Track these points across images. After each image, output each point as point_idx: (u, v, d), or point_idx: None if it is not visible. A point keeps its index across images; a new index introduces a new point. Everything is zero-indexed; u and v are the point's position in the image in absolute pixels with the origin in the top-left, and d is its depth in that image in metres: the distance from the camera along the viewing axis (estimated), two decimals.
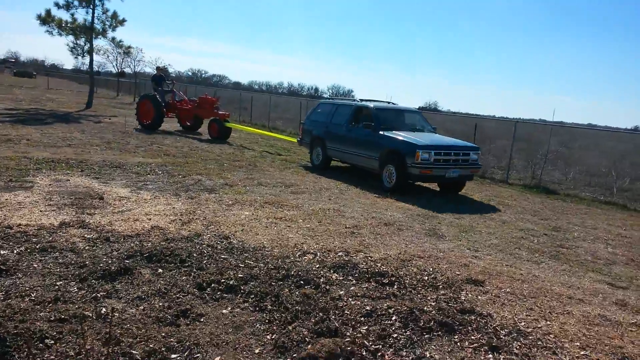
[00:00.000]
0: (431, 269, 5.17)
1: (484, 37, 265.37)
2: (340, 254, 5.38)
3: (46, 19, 21.12)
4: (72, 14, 21.62)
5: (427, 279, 4.86)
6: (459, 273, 5.16)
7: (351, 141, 10.89)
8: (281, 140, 17.08)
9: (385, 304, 4.03)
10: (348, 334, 3.40)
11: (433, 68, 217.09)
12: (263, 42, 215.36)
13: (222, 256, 4.91)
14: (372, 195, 9.24)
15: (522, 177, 13.54)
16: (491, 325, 3.91)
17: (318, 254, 5.28)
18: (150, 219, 6.10)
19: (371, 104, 11.13)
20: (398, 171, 9.44)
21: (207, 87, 46.52)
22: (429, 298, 4.35)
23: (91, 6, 21.73)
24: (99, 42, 24.63)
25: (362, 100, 11.72)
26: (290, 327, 3.43)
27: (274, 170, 10.93)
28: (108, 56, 33.02)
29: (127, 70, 36.06)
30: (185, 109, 17.23)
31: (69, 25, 21.30)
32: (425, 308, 4.03)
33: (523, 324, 4.04)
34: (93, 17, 22.03)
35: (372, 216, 7.40)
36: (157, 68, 18.91)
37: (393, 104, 12.05)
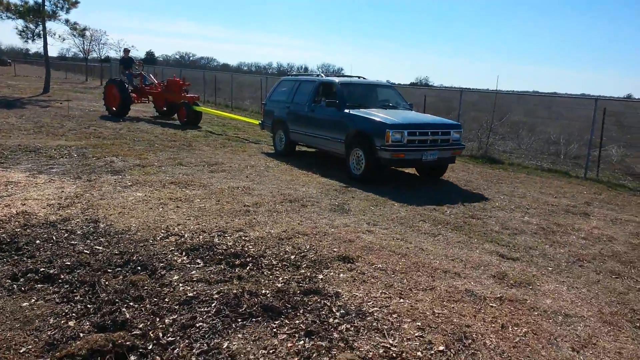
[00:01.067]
0: (307, 247, 4.82)
1: (477, 9, 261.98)
2: (213, 234, 5.01)
3: None
4: None
5: (295, 258, 4.51)
6: (336, 250, 4.81)
7: (315, 122, 9.53)
8: (239, 121, 16.42)
9: (219, 289, 3.68)
10: (141, 326, 3.04)
11: (427, 43, 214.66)
12: (252, 23, 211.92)
13: (72, 242, 4.54)
14: (300, 172, 8.83)
15: (471, 148, 13.17)
16: (330, 307, 3.57)
17: (186, 235, 4.91)
18: (24, 204, 5.70)
19: (336, 79, 9.78)
20: (367, 156, 8.06)
21: (194, 69, 45.57)
22: (280, 279, 4.00)
23: None
24: (53, 25, 23.69)
25: (326, 75, 10.48)
26: (74, 322, 3.07)
27: (208, 150, 10.49)
28: (66, 40, 31.95)
29: (94, 54, 35.12)
30: (153, 93, 16.16)
31: (19, 8, 20.47)
32: (262, 291, 3.69)
33: (371, 303, 3.71)
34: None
35: (281, 193, 7.02)
36: (125, 50, 17.23)
37: (363, 78, 10.54)
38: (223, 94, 23.27)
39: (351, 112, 8.60)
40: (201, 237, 4.90)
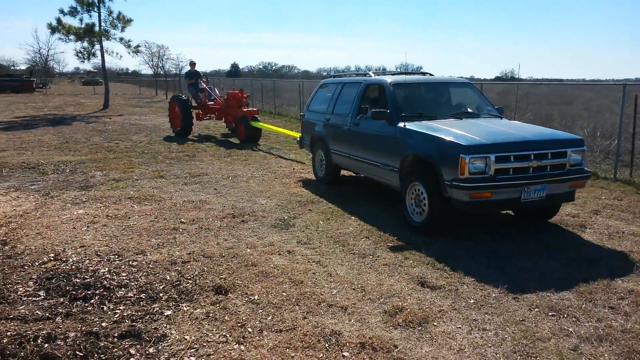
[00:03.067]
0: (194, 274, 4.33)
1: None
2: (104, 258, 4.67)
3: (57, 28, 21.89)
4: (81, 19, 22.27)
5: (163, 287, 4.05)
6: (223, 277, 4.27)
7: (359, 140, 6.83)
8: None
9: (20, 329, 3.29)
10: None
11: (511, 34, 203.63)
12: (332, 28, 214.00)
13: None
14: (329, 207, 7.30)
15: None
16: (136, 354, 3.04)
17: (70, 260, 4.62)
18: None
19: (388, 78, 6.72)
20: (430, 194, 5.29)
21: (277, 79, 46.46)
22: (114, 316, 3.55)
23: (96, 9, 22.21)
24: (109, 44, 25.12)
25: (376, 73, 7.37)
26: None
27: (210, 160, 10.28)
28: (136, 56, 33.82)
29: (159, 70, 36.88)
30: (215, 109, 14.54)
31: (78, 30, 21.91)
32: (70, 333, 3.25)
33: (194, 350, 3.14)
34: (100, 19, 22.54)
35: (234, 206, 6.57)
36: (190, 63, 15.33)
37: (429, 74, 7.54)
38: (285, 101, 22.82)
39: (407, 127, 5.77)
40: (86, 262, 4.58)
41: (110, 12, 22.49)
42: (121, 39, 23.13)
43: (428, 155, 5.34)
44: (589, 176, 5.53)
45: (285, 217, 6.11)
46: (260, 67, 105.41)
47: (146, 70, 38.38)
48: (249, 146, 12.18)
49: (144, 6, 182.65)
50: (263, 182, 8.14)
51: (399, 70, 8.50)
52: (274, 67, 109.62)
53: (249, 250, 4.96)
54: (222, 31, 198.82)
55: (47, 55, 56.83)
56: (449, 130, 5.37)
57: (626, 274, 4.40)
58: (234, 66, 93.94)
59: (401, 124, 5.87)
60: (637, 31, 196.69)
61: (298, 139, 9.06)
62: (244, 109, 13.18)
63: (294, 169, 9.39)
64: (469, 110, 6.63)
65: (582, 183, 5.51)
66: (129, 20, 22.76)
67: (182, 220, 5.96)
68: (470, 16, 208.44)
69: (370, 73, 7.30)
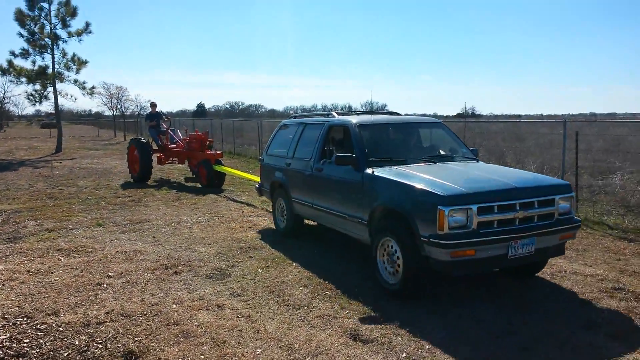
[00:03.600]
0: (107, 337, 3.95)
1: (520, 33, 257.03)
2: (10, 321, 4.24)
3: (7, 70, 21.31)
4: (33, 61, 21.76)
5: (68, 355, 3.64)
6: (138, 340, 3.91)
7: (323, 188, 6.09)
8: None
9: None
10: None
11: (470, 73, 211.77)
12: (299, 67, 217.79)
13: None
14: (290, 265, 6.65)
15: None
16: None
17: None
18: None
19: (352, 119, 6.05)
20: (405, 253, 4.55)
21: (243, 118, 46.11)
22: None
23: (49, 51, 21.77)
24: (63, 86, 24.61)
25: (340, 113, 6.66)
26: None
27: (157, 205, 9.87)
28: (88, 98, 33.21)
29: (117, 112, 36.32)
30: (177, 152, 13.54)
31: (29, 72, 21.37)
32: None
33: None
34: (53, 61, 22.08)
35: (170, 256, 6.21)
36: (152, 104, 14.42)
37: (396, 113, 7.02)
38: (247, 140, 22.49)
39: (375, 174, 5.10)
40: None
41: (64, 54, 22.09)
42: (75, 81, 22.65)
43: (400, 207, 4.64)
44: (579, 226, 4.89)
45: (223, 266, 5.79)
46: (227, 106, 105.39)
47: (108, 111, 37.64)
48: (203, 190, 11.83)
49: (108, 48, 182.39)
50: (207, 228, 7.81)
51: (364, 108, 8.60)
52: (240, 106, 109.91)
53: (175, 306, 4.61)
54: (188, 71, 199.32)
55: (3, 97, 55.34)
56: (423, 177, 4.72)
57: (568, 320, 4.26)
58: (200, 106, 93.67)
59: (369, 170, 5.19)
60: (594, 69, 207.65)
61: (257, 185, 8.26)
62: (207, 152, 12.43)
63: (243, 212, 9.11)
64: (442, 153, 6.04)
65: (573, 234, 4.88)
66: (84, 62, 22.38)
67: (110, 273, 5.56)
68: (429, 55, 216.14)
69: (334, 113, 6.55)
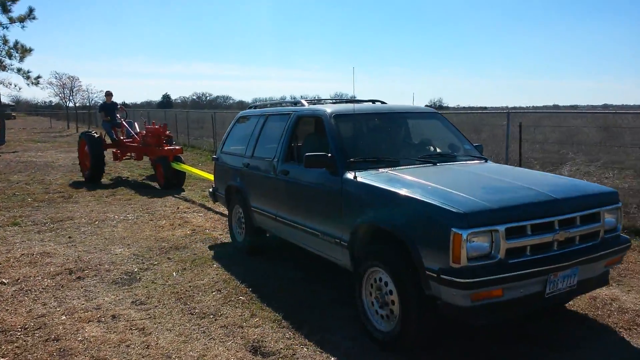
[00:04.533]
0: None
1: (483, 25, 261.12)
2: None
3: None
4: None
5: None
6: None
7: (289, 196, 4.80)
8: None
9: None
10: None
11: (440, 65, 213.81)
12: (269, 59, 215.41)
13: None
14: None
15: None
16: None
17: None
18: None
19: (327, 108, 4.70)
20: (403, 290, 3.31)
21: (212, 109, 44.75)
22: None
23: None
24: (5, 75, 23.26)
25: (311, 102, 5.40)
26: None
27: (87, 202, 9.21)
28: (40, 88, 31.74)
29: (69, 103, 34.85)
30: (132, 147, 12.00)
31: None
32: None
33: None
34: None
35: (81, 259, 5.67)
36: (107, 93, 12.82)
37: (380, 102, 5.55)
38: (206, 132, 21.48)
39: (359, 180, 3.80)
40: None
41: (5, 41, 20.85)
42: (19, 70, 21.45)
43: (395, 228, 3.31)
44: (629, 246, 3.70)
45: (135, 270, 5.29)
46: (194, 97, 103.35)
47: (62, 103, 35.98)
48: (144, 186, 11.19)
49: (69, 36, 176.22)
50: (133, 226, 7.26)
51: (334, 99, 6.02)
52: (208, 98, 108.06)
53: (63, 317, 4.10)
54: (154, 61, 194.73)
55: None
56: (425, 184, 3.45)
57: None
58: (166, 97, 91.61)
59: (349, 175, 3.86)
60: (562, 63, 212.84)
61: (210, 190, 6.79)
62: (165, 148, 10.82)
63: (178, 208, 8.57)
64: (442, 150, 4.73)
65: (621, 257, 3.71)
66: (29, 50, 21.19)
67: (4, 280, 4.99)
68: (400, 46, 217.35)
69: (303, 101, 5.29)
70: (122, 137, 12.44)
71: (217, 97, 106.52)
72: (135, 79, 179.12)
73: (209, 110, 21.04)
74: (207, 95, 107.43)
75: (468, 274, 2.89)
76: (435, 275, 3.00)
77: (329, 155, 4.08)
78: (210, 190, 6.74)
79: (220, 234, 6.76)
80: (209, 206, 8.61)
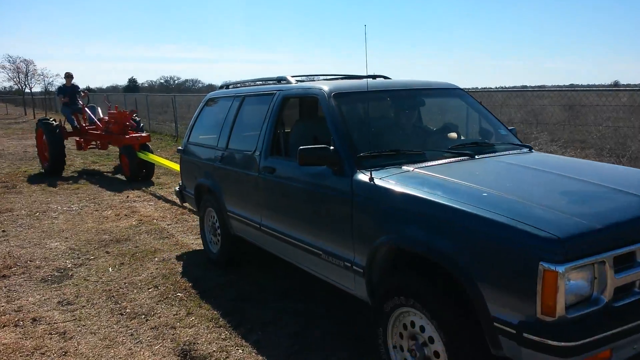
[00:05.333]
0: None
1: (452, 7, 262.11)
2: None
3: None
4: None
5: None
6: None
7: (277, 200, 3.77)
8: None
9: None
10: None
11: (410, 45, 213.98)
12: (239, 40, 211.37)
13: None
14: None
15: None
16: None
17: None
18: None
19: (324, 85, 3.54)
20: (457, 347, 2.24)
21: (181, 92, 43.17)
22: None
23: None
24: None
25: (301, 80, 4.21)
26: None
27: (31, 192, 8.65)
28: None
29: (24, 87, 33.36)
30: (95, 135, 10.79)
31: None
32: None
33: None
34: None
35: (11, 254, 5.21)
36: (67, 75, 11.41)
37: (382, 77, 4.46)
38: (171, 117, 20.56)
39: (377, 182, 2.78)
40: None
41: None
42: None
43: (441, 255, 2.32)
44: None
45: (68, 266, 4.90)
46: (162, 81, 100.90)
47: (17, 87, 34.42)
48: (92, 174, 10.60)
49: (30, 19, 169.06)
50: (76, 217, 6.81)
51: (326, 75, 4.54)
52: (176, 81, 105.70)
53: None
54: (120, 44, 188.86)
55: None
56: (479, 190, 2.46)
57: None
58: (132, 81, 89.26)
59: (363, 176, 2.84)
60: (533, 43, 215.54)
61: (177, 188, 5.68)
62: (131, 135, 9.78)
63: (127, 197, 8.12)
64: (473, 138, 3.76)
65: None
66: None
67: None
68: (372, 27, 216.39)
69: (289, 77, 4.13)
70: (84, 124, 11.18)
71: (186, 80, 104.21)
72: (100, 62, 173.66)
73: (168, 94, 20.23)
74: (176, 78, 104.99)
75: (569, 332, 1.91)
76: (513, 331, 2.01)
77: (331, 148, 3.01)
78: (177, 188, 5.66)
79: (168, 224, 6.39)
80: (161, 194, 8.20)
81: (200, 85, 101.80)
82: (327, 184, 3.09)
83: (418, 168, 2.89)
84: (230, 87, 5.08)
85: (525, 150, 3.50)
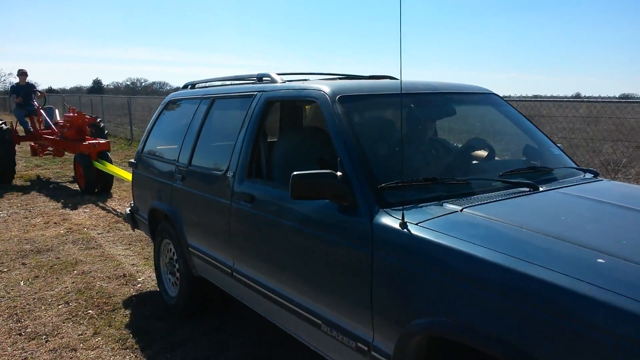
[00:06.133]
0: None
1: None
2: None
3: None
4: None
5: None
6: None
7: (256, 239, 2.78)
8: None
9: None
10: None
11: (381, 51, 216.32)
12: (208, 45, 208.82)
13: None
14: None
15: None
16: None
17: None
18: None
19: (324, 86, 2.55)
20: None
21: (148, 95, 41.89)
22: None
23: None
24: None
25: (287, 78, 3.12)
26: None
27: None
28: None
29: None
30: (50, 141, 9.77)
31: None
32: None
33: None
34: None
35: None
36: (20, 73, 10.40)
37: (388, 78, 3.35)
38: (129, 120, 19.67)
39: (415, 233, 1.82)
40: None
41: None
42: None
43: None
44: None
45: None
46: (128, 83, 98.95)
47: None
48: (44, 187, 10.04)
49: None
50: (1, 225, 6.37)
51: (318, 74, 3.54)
52: (143, 84, 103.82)
53: None
54: (87, 45, 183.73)
55: None
56: (595, 256, 1.57)
57: None
58: (97, 82, 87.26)
59: (388, 219, 1.95)
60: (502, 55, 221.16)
61: (127, 210, 4.58)
62: (88, 142, 8.64)
63: (62, 203, 7.70)
64: (526, 161, 2.77)
65: None
66: None
67: None
68: (341, 34, 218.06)
69: (274, 75, 3.14)
70: (39, 128, 10.22)
71: (153, 82, 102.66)
72: (65, 62, 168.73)
73: (125, 96, 19.62)
74: (143, 80, 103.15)
75: None
76: None
77: (338, 174, 2.13)
78: (128, 210, 4.56)
79: (99, 233, 6.04)
80: (100, 203, 7.81)
81: (168, 87, 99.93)
82: (331, 225, 2.17)
83: (469, 207, 1.98)
84: (196, 86, 4.14)
85: (590, 176, 2.64)
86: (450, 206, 2.01)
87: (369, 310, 1.97)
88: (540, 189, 2.27)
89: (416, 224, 1.87)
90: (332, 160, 2.33)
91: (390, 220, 1.93)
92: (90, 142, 8.68)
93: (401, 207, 1.94)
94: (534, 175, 2.46)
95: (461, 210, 1.96)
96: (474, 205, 2.01)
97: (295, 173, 2.08)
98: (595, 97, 6.89)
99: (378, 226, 1.95)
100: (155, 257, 4.09)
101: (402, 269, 1.84)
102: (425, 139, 2.89)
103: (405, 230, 1.85)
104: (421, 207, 2.01)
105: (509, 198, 2.14)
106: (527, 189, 2.24)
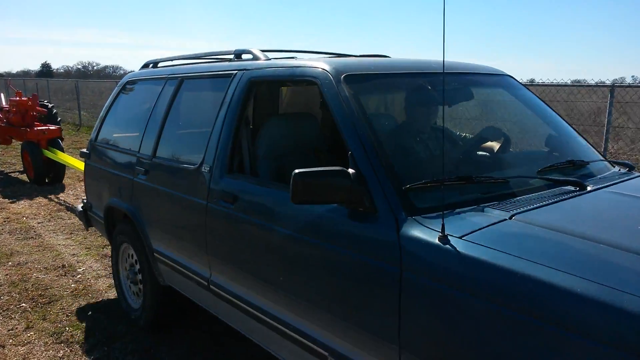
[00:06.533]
0: None
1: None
2: None
3: None
4: None
5: None
6: None
7: (239, 248, 2.25)
8: None
9: None
10: None
11: (351, 35, 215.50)
12: (165, 27, 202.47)
13: None
14: None
15: None
16: None
17: None
18: None
19: (325, 64, 2.06)
20: None
21: (100, 79, 39.84)
22: None
23: None
24: None
25: (271, 56, 2.60)
26: None
27: None
28: None
29: None
30: None
31: None
32: None
33: None
34: None
35: None
36: None
37: (382, 56, 2.78)
38: (83, 106, 18.65)
39: (463, 252, 1.39)
40: None
41: None
42: None
43: None
44: None
45: None
46: (79, 67, 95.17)
47: None
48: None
49: None
50: None
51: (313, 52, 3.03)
52: (95, 68, 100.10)
53: None
54: (32, 26, 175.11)
55: None
56: None
57: None
58: (45, 66, 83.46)
59: (420, 232, 1.53)
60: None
61: (80, 207, 3.97)
62: (36, 129, 7.98)
63: (2, 190, 7.27)
64: (549, 152, 2.36)
65: None
66: None
67: None
68: (308, 18, 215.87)
69: (255, 51, 2.65)
70: None
71: (106, 66, 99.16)
72: (9, 44, 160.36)
73: (72, 80, 18.77)
74: (95, 64, 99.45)
75: None
76: None
77: (350, 171, 1.70)
78: (80, 208, 3.97)
79: (39, 222, 5.72)
80: (44, 188, 7.42)
81: (121, 72, 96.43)
82: (339, 234, 1.75)
83: (519, 214, 1.59)
84: (158, 66, 3.57)
85: (625, 170, 2.34)
86: (495, 212, 1.60)
87: (395, 346, 1.55)
88: (588, 188, 1.90)
89: (460, 238, 1.44)
90: (330, 151, 2.00)
91: (423, 233, 1.51)
92: (39, 128, 8.07)
93: (435, 215, 1.53)
94: (571, 170, 2.12)
95: (510, 218, 1.56)
96: (524, 211, 1.61)
97: (297, 171, 1.64)
98: (550, 82, 6.90)
99: (408, 239, 1.52)
100: (114, 261, 3.56)
101: (446, 298, 1.39)
102: (447, 127, 2.43)
103: (448, 246, 1.43)
104: (459, 214, 1.59)
105: (558, 201, 1.75)
106: (574, 188, 1.87)
